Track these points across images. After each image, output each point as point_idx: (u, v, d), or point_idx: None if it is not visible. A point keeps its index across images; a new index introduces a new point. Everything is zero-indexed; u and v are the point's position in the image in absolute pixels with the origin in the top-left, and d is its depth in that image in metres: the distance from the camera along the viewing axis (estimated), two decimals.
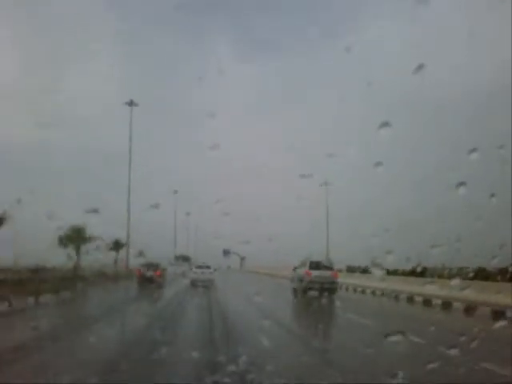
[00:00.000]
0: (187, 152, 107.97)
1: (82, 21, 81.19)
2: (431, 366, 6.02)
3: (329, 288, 25.15)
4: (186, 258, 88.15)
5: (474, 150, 6.96)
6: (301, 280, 26.75)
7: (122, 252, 53.05)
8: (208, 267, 32.64)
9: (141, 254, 46.56)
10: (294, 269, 29.31)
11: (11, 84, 69.58)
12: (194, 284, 30.91)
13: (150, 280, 30.47)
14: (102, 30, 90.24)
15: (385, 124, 6.03)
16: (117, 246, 54.65)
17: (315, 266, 26.14)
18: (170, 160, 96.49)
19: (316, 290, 25.49)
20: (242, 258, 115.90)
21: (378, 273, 18.22)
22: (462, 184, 6.14)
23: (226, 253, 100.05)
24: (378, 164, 10.91)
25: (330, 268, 26.41)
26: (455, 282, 9.97)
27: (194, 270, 32.52)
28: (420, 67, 6.27)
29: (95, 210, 13.12)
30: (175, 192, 70.24)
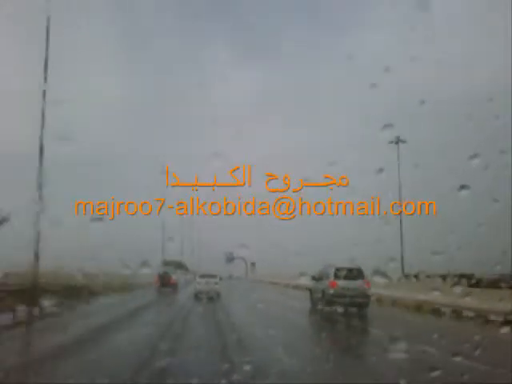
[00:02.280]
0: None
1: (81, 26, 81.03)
2: None
3: (359, 303, 19.85)
4: (178, 265, 75.14)
5: (475, 156, 6.99)
6: (322, 293, 21.19)
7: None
8: (213, 276, 29.51)
9: (145, 263, 46.19)
10: (314, 278, 23.43)
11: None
12: (197, 296, 27.54)
13: (166, 286, 36.15)
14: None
15: (388, 126, 6.03)
16: None
17: (342, 273, 20.82)
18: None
19: (343, 305, 19.68)
20: (252, 264, 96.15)
21: (381, 280, 17.96)
22: (464, 187, 6.12)
23: (230, 258, 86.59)
24: (380, 170, 10.96)
25: (360, 276, 20.71)
26: None
27: (198, 279, 29.51)
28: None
29: (100, 219, 13.11)
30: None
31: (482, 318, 16.43)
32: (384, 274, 17.44)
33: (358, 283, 20.16)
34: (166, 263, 66.25)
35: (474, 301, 17.68)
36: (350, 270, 20.82)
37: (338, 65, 78.21)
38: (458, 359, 7.03)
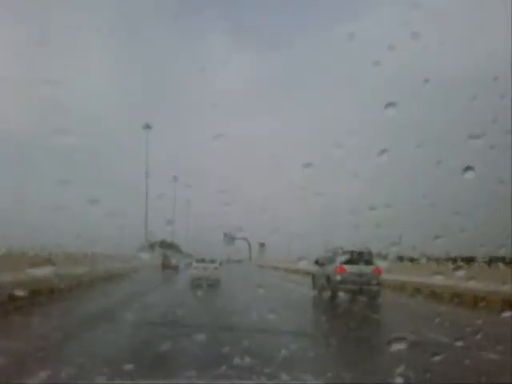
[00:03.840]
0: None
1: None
2: None
3: (369, 290, 17.64)
4: (169, 246, 70.61)
5: (480, 136, 6.70)
6: (327, 279, 18.87)
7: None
8: (212, 261, 26.34)
9: (142, 248, 47.04)
10: (317, 262, 20.92)
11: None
12: (194, 283, 24.43)
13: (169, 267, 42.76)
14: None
15: (391, 104, 5.73)
16: None
17: (351, 258, 18.38)
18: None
19: (351, 293, 18.01)
20: (261, 245, 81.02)
21: (382, 264, 17.66)
22: (469, 168, 5.83)
23: (229, 239, 75.80)
24: (383, 152, 10.63)
25: (370, 260, 18.29)
26: None
27: (195, 264, 26.34)
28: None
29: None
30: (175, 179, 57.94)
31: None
32: (384, 258, 17.26)
33: (368, 268, 17.87)
34: (151, 244, 63.65)
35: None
36: (359, 254, 18.44)
37: (338, 44, 77.32)
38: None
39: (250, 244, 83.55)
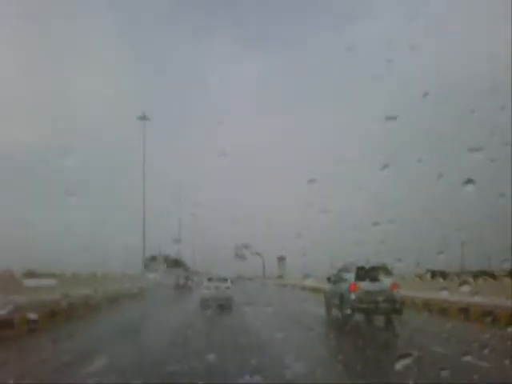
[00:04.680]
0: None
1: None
2: None
3: (388, 309, 16.11)
4: (175, 263, 67.67)
5: (479, 149, 6.84)
6: (341, 298, 17.52)
7: None
8: (223, 280, 24.73)
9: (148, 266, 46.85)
10: (330, 279, 19.91)
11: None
12: (205, 304, 22.63)
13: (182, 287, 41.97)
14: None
15: (391, 118, 5.89)
16: None
17: (366, 274, 17.05)
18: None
19: (366, 312, 16.82)
20: (280, 259, 71.76)
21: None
22: (469, 182, 5.96)
23: (240, 253, 69.66)
24: (385, 166, 10.73)
25: (387, 276, 17.12)
26: None
27: (205, 283, 24.70)
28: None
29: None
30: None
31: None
32: (390, 273, 17.14)
33: (384, 285, 16.55)
34: (151, 259, 61.40)
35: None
36: (374, 269, 17.09)
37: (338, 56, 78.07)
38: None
39: (263, 259, 74.66)
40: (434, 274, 29.22)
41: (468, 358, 7.24)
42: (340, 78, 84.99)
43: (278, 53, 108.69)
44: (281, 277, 69.47)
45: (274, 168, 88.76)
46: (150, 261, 60.93)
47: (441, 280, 25.37)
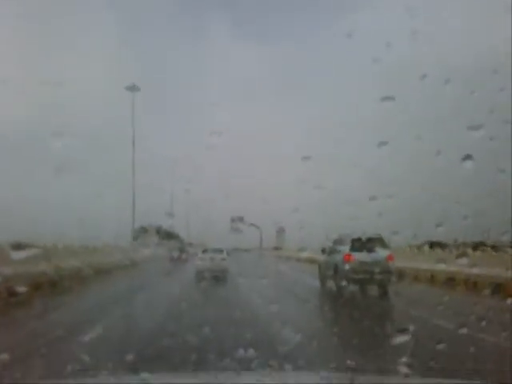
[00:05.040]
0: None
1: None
2: None
3: (380, 279, 16.19)
4: (169, 234, 63.92)
5: (479, 127, 6.70)
6: (335, 268, 17.34)
7: None
8: (219, 251, 24.46)
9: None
10: (324, 251, 19.73)
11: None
12: (199, 276, 22.14)
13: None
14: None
15: (388, 98, 5.73)
16: None
17: (361, 245, 16.84)
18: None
19: (361, 283, 16.87)
20: (279, 230, 68.40)
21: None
22: (468, 157, 5.82)
23: (235, 226, 67.15)
24: (382, 143, 10.62)
25: (381, 247, 16.91)
26: None
27: (200, 255, 24.38)
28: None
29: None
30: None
31: None
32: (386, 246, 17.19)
33: (380, 256, 16.50)
34: (144, 230, 60.69)
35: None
36: (369, 240, 17.02)
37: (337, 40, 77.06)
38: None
39: (260, 231, 72.01)
40: (432, 245, 29.07)
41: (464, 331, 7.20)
42: (339, 62, 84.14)
43: (278, 37, 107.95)
44: (278, 248, 68.64)
45: (270, 146, 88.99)
46: (141, 232, 59.20)
47: (439, 251, 25.52)
